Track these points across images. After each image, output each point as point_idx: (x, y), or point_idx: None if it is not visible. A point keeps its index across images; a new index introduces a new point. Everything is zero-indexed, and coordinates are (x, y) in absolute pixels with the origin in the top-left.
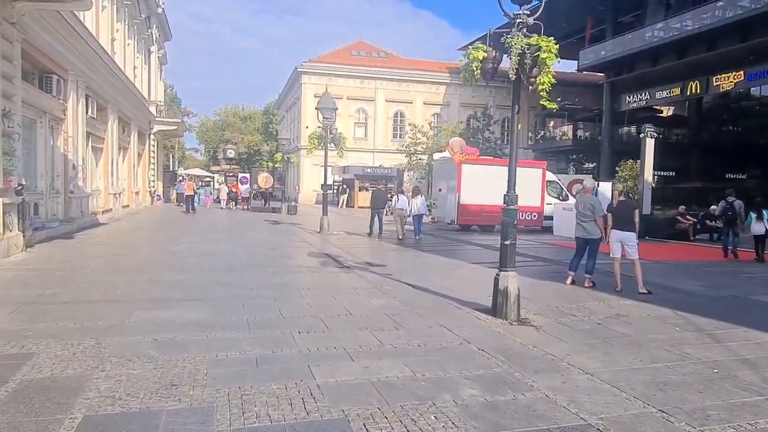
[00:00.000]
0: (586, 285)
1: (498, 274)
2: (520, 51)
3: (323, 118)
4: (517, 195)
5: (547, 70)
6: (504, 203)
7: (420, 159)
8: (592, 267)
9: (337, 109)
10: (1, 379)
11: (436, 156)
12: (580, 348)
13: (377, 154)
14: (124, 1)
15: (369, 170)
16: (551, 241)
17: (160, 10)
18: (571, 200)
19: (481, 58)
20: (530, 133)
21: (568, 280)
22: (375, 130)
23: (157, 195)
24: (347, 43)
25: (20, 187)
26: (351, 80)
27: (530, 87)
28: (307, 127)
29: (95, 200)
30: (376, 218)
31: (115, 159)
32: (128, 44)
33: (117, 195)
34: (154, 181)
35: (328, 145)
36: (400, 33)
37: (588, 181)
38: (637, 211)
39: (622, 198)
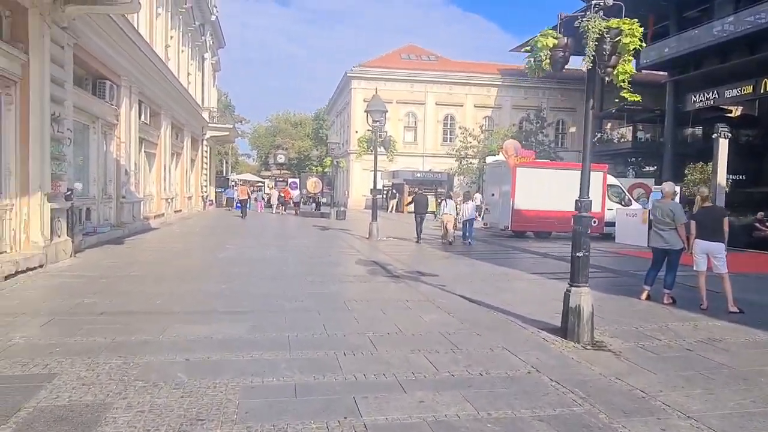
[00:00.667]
0: (665, 301)
1: (569, 290)
2: (598, 35)
3: (373, 120)
4: (591, 201)
5: (627, 58)
6: (576, 210)
7: (470, 163)
8: (671, 281)
9: (386, 111)
10: (13, 407)
11: (489, 160)
12: (674, 382)
13: (427, 158)
14: (179, 8)
15: (419, 175)
16: (615, 249)
17: (213, 18)
18: (635, 205)
19: (551, 45)
20: None
21: (643, 295)
22: (425, 134)
23: (210, 200)
24: (396, 47)
25: (69, 192)
26: (400, 84)
27: (606, 78)
28: (356, 132)
29: (147, 205)
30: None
31: (167, 164)
32: (182, 51)
33: (169, 200)
34: (206, 186)
35: (378, 149)
36: (449, 37)
37: (667, 185)
38: (726, 219)
39: (708, 204)
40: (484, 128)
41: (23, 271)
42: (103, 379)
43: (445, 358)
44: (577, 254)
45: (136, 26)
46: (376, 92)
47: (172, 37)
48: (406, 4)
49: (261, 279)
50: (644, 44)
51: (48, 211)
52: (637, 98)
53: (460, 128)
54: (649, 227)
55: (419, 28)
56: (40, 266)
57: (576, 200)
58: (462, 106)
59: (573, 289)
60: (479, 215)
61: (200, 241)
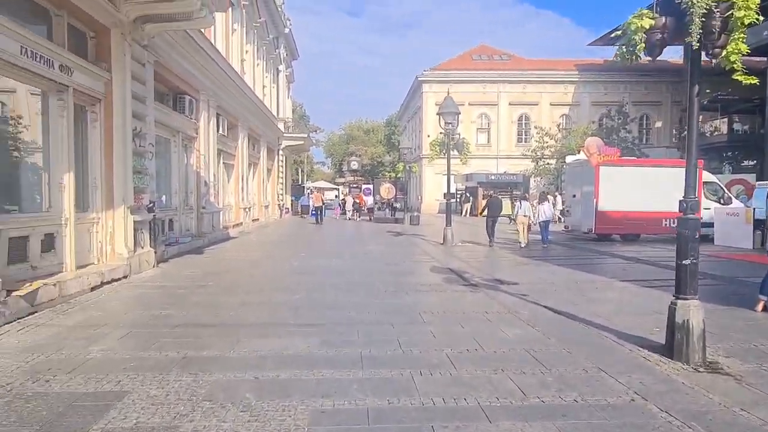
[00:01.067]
0: None
1: (674, 303)
2: (705, 10)
3: (445, 123)
4: (697, 200)
5: (740, 36)
6: (680, 211)
7: (548, 164)
8: None
9: (459, 113)
10: (82, 428)
11: (569, 159)
12: None
13: (501, 160)
14: (253, 23)
15: (493, 177)
16: (715, 253)
17: (287, 30)
18: (735, 203)
19: (647, 27)
20: (674, 130)
21: (759, 306)
22: (498, 135)
23: (286, 208)
24: (468, 48)
25: (152, 205)
26: (472, 85)
27: (713, 60)
28: (428, 136)
29: (226, 215)
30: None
31: (245, 174)
32: (257, 64)
33: (247, 209)
34: (282, 194)
35: (451, 152)
36: (522, 36)
37: None
38: None
39: None
40: (561, 127)
41: (108, 282)
42: (171, 399)
43: (532, 380)
44: (684, 262)
45: (213, 42)
46: (448, 94)
47: (247, 52)
48: (477, 6)
49: (333, 289)
50: (761, 17)
51: (131, 224)
52: (754, 81)
53: (535, 128)
54: (755, 228)
55: (491, 29)
56: (125, 277)
57: (680, 200)
58: (537, 105)
59: (680, 302)
60: (557, 217)
61: (275, 250)
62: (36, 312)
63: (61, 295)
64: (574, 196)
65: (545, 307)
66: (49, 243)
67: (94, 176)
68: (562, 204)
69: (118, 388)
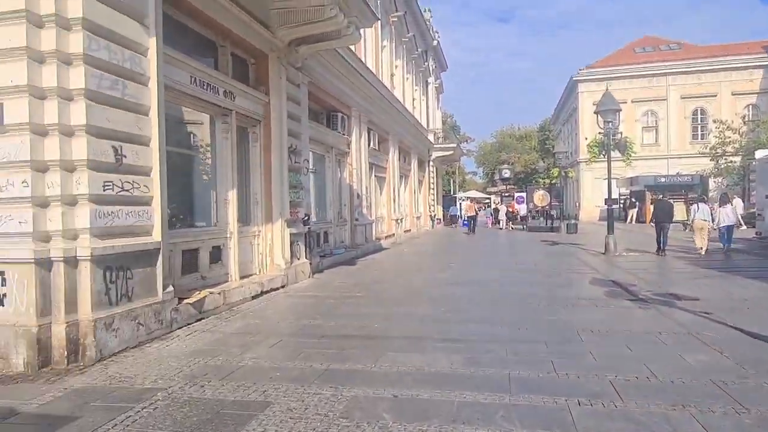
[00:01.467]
0: None
1: None
2: None
3: (604, 122)
4: None
5: None
6: None
7: (731, 161)
8: None
9: (620, 110)
10: None
11: (759, 154)
12: None
13: (672, 160)
14: (402, 38)
15: (663, 179)
16: None
17: (435, 43)
18: None
19: None
20: None
21: None
22: (668, 133)
23: (438, 219)
24: (629, 41)
25: (306, 218)
26: (635, 81)
27: None
28: (586, 138)
29: (379, 226)
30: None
31: (396, 186)
32: (407, 78)
33: (399, 220)
34: (434, 205)
35: (612, 153)
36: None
37: None
38: None
39: None
40: (747, 119)
41: (267, 291)
42: (309, 414)
43: (725, 421)
44: None
45: (363, 60)
46: (607, 89)
47: (396, 66)
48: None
49: (482, 301)
50: None
51: (288, 236)
52: None
53: (714, 122)
54: None
55: (654, 19)
56: (282, 287)
57: None
58: (715, 96)
59: None
60: (739, 222)
61: (425, 261)
62: (203, 318)
63: (225, 303)
64: (767, 197)
65: (736, 328)
66: (216, 255)
67: (255, 192)
68: (743, 208)
69: (262, 398)
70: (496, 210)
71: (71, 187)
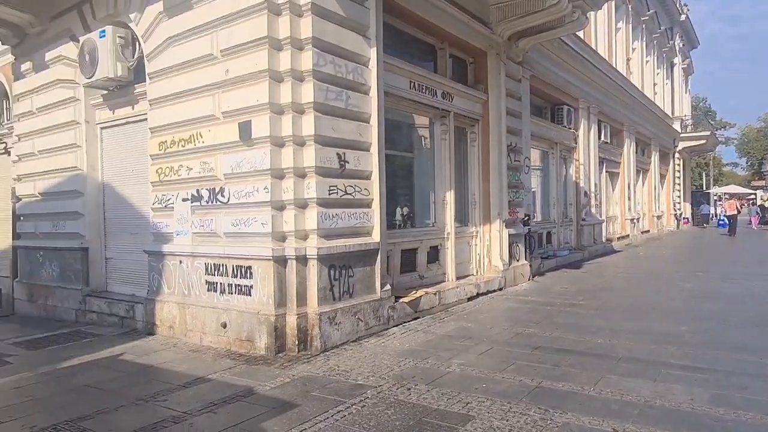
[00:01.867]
0: None
1: None
2: None
3: None
4: None
5: None
6: None
7: None
8: None
9: None
10: None
11: None
12: None
13: None
14: (641, 17)
15: None
16: None
17: (683, 18)
18: None
19: None
20: None
21: None
22: None
23: (684, 218)
24: None
25: (527, 218)
26: None
27: None
28: None
29: (610, 226)
30: None
31: (632, 183)
32: (646, 61)
33: (634, 220)
34: (679, 202)
35: None
36: None
37: None
38: None
39: None
40: None
41: (484, 294)
42: None
43: None
44: None
45: (593, 46)
46: None
47: (634, 49)
48: None
49: (738, 322)
50: None
51: (506, 237)
52: None
53: None
54: None
55: None
56: (500, 289)
57: None
58: None
59: None
60: None
61: (665, 266)
62: (418, 317)
63: (440, 304)
64: None
65: None
66: (434, 255)
67: (473, 192)
68: None
69: (464, 411)
70: (763, 207)
71: (302, 192)
